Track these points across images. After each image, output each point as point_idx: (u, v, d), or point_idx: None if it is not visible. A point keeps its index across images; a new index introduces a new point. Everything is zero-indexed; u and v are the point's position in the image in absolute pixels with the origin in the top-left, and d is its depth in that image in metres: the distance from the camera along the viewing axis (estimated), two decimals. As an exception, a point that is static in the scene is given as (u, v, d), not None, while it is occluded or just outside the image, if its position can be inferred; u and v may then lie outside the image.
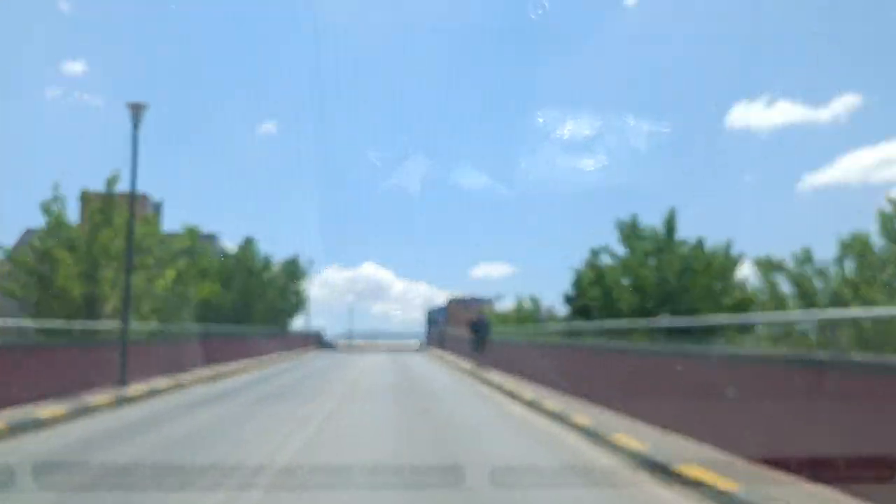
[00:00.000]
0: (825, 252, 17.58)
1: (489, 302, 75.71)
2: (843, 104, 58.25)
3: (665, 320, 13.07)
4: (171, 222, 23.08)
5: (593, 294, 20.72)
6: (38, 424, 8.74)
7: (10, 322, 12.87)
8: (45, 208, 14.81)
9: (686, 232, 19.46)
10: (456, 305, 75.37)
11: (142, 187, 18.20)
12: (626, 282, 19.94)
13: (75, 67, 58.12)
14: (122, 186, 15.18)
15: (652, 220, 19.72)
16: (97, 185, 15.73)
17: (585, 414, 9.77)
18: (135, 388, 12.78)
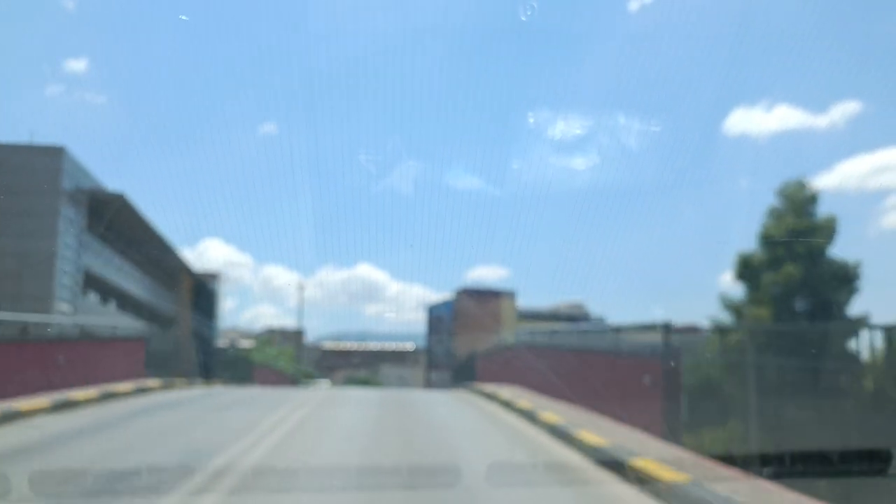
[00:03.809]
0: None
1: (509, 295, 62.16)
2: (843, 110, 60.56)
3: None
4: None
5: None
6: None
7: None
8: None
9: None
10: (466, 299, 61.19)
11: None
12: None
13: (78, 65, 56.25)
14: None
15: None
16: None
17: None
18: None
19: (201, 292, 35.33)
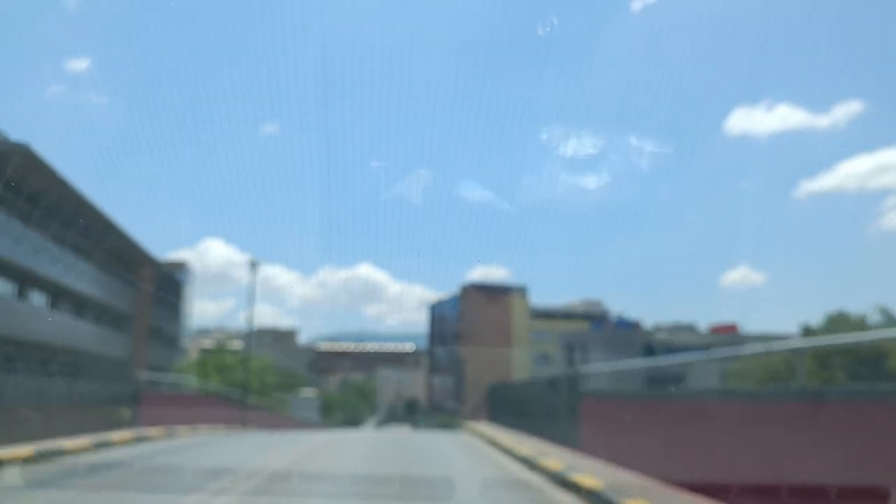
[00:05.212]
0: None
1: (520, 291, 56.41)
2: (844, 110, 62.28)
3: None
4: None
5: None
6: None
7: None
8: None
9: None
10: (474, 295, 55.47)
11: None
12: None
13: (79, 65, 56.24)
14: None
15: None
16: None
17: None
18: None
19: (164, 285, 29.90)
